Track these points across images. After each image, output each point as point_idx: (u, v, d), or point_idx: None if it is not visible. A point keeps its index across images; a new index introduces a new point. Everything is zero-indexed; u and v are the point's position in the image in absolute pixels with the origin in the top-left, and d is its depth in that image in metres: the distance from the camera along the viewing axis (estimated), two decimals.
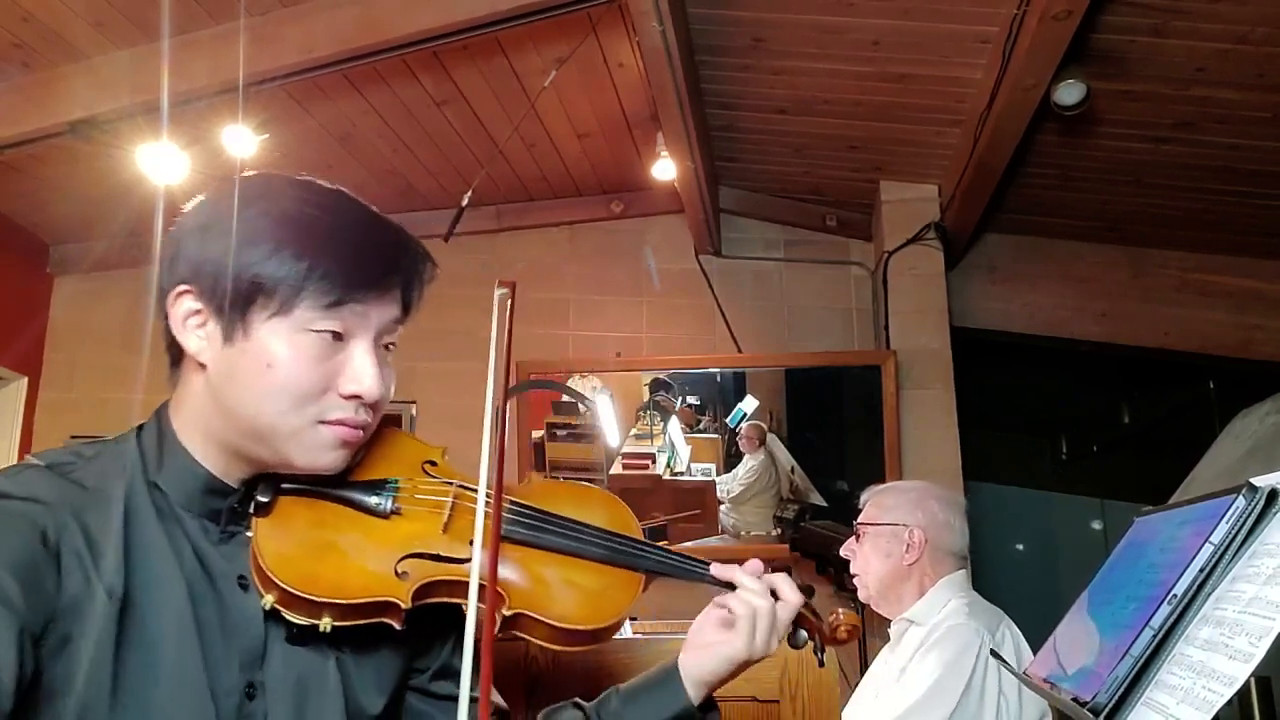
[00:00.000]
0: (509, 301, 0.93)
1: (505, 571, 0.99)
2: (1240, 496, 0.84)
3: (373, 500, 0.97)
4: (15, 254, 4.05)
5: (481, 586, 0.85)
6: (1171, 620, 0.84)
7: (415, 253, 0.98)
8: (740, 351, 4.14)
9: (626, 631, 2.24)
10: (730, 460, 4.00)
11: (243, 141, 3.10)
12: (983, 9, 2.79)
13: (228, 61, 2.83)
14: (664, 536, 3.89)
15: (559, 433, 4.04)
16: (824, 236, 4.28)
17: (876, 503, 2.26)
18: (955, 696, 1.89)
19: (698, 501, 3.94)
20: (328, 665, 0.95)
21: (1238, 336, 3.97)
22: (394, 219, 1.00)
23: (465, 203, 3.18)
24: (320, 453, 0.93)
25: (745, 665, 1.06)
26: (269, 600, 0.90)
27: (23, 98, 3.07)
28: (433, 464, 1.04)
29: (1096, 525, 5.55)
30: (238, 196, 0.93)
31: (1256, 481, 0.84)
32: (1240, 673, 0.72)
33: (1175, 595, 0.84)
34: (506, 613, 0.96)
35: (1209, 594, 0.83)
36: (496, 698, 1.11)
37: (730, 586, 1.08)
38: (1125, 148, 3.37)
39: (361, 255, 0.93)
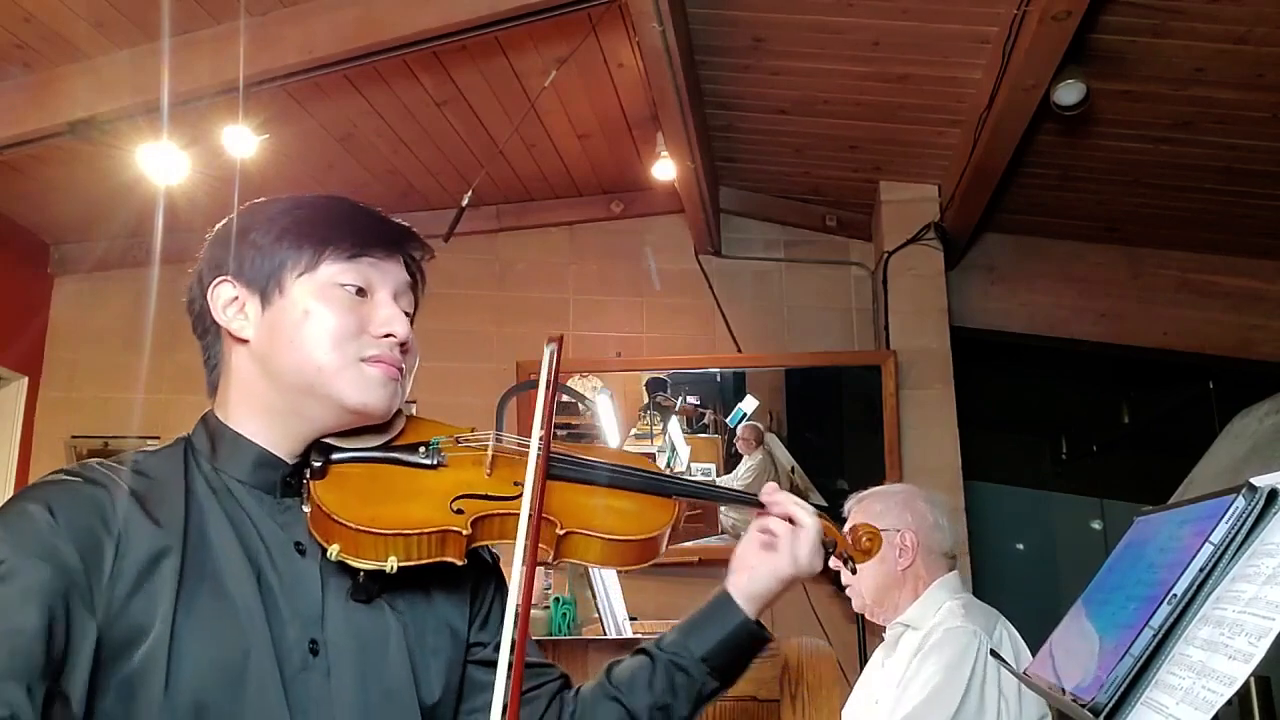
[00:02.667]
0: (556, 356, 1.05)
1: (552, 501, 1.06)
2: (1240, 496, 0.84)
3: (418, 455, 1.06)
4: (16, 254, 4.05)
5: (531, 517, 0.95)
6: (1171, 620, 0.84)
7: (413, 233, 1.11)
8: (740, 351, 4.14)
9: (626, 631, 2.24)
10: (730, 460, 4.00)
11: (243, 141, 3.10)
12: (983, 9, 2.79)
13: (228, 61, 2.83)
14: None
15: (559, 433, 4.04)
16: (824, 236, 4.28)
17: (863, 509, 2.22)
18: (956, 700, 1.89)
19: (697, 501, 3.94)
20: (389, 624, 1.00)
21: (1237, 336, 3.97)
22: (394, 219, 1.12)
23: (465, 203, 3.18)
24: (369, 388, 1.01)
25: (793, 581, 1.14)
26: (335, 549, 0.95)
27: (23, 98, 3.07)
28: (465, 435, 1.13)
29: (1096, 525, 5.55)
30: (250, 213, 1.07)
31: (1256, 481, 0.84)
32: (1240, 672, 0.72)
33: (1175, 595, 0.84)
34: (560, 532, 1.04)
35: (1209, 594, 0.83)
36: (559, 667, 1.18)
37: (755, 504, 1.19)
38: (1125, 148, 3.38)
39: (369, 223, 1.08)
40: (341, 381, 1.00)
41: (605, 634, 2.18)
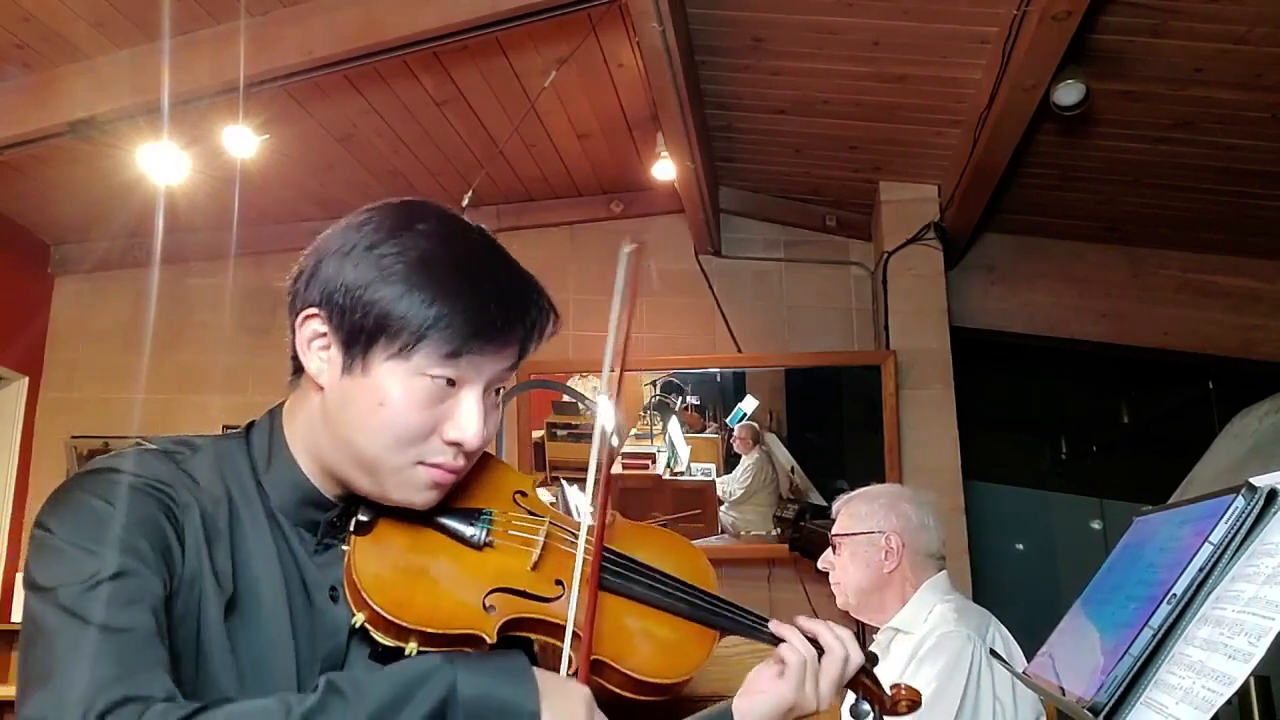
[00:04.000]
0: (635, 262, 0.98)
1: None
2: (1239, 496, 0.84)
3: (468, 532, 1.00)
4: (16, 254, 4.05)
5: (575, 634, 0.89)
6: (1171, 620, 0.84)
7: (541, 307, 1.01)
8: (740, 351, 4.14)
9: None
10: (730, 460, 4.00)
11: (243, 141, 3.10)
12: (983, 9, 2.79)
13: (228, 61, 2.83)
14: None
15: (559, 433, 4.04)
16: (824, 236, 4.28)
17: (849, 511, 2.21)
18: (954, 706, 1.88)
19: (697, 501, 3.94)
20: None
21: (1237, 336, 3.97)
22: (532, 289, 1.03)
23: (465, 203, 3.19)
24: (415, 492, 0.96)
25: (796, 713, 1.08)
26: (360, 618, 0.92)
27: (24, 98, 3.07)
28: (523, 494, 1.07)
29: (1095, 525, 5.55)
30: (377, 229, 0.95)
31: (1256, 481, 0.84)
32: (1239, 672, 0.72)
33: (1175, 595, 0.84)
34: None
35: (1208, 594, 0.83)
36: None
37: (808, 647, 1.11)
38: (1125, 148, 3.38)
39: (488, 308, 0.93)
40: (391, 480, 0.95)
41: None
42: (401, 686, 0.82)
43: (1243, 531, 0.83)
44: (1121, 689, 0.84)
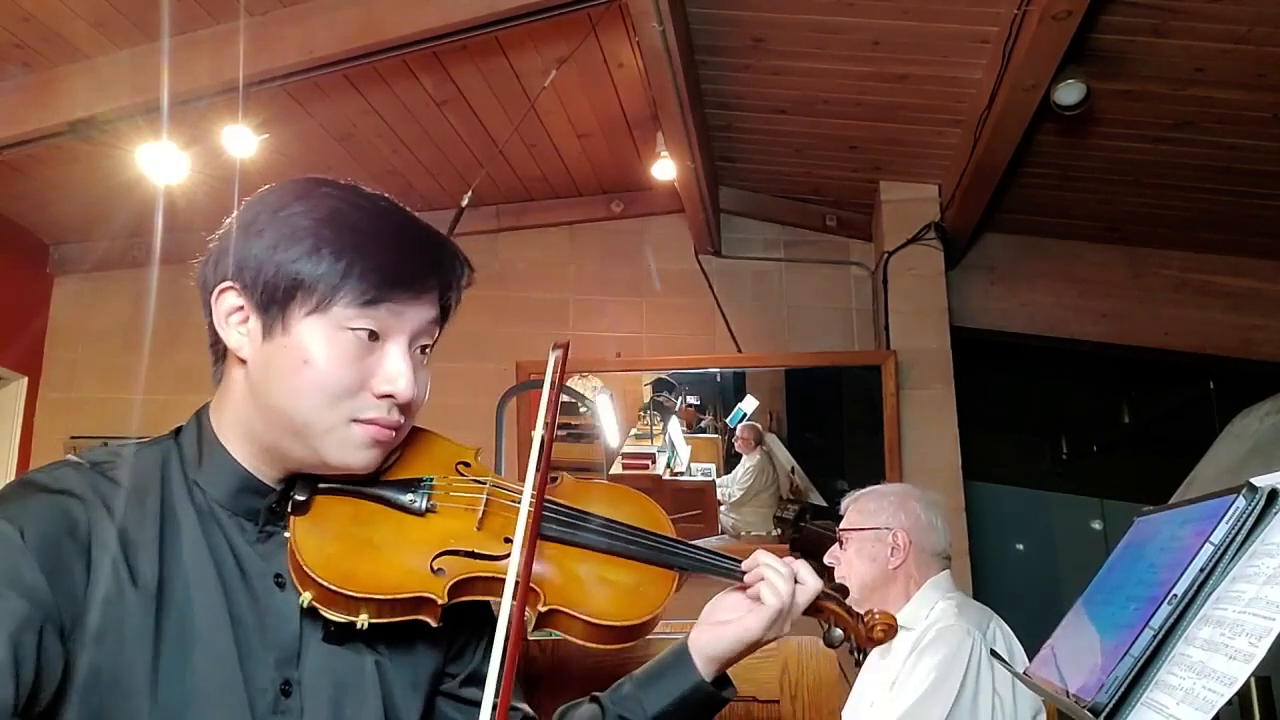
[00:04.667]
0: (563, 361, 0.99)
1: (540, 568, 1.00)
2: (1240, 496, 0.84)
3: (407, 498, 0.99)
4: (16, 254, 4.05)
5: (516, 583, 0.88)
6: (1171, 620, 0.84)
7: (453, 256, 1.00)
8: (740, 351, 4.14)
9: None
10: (730, 460, 4.00)
11: (243, 141, 3.10)
12: (983, 9, 2.79)
13: (228, 61, 2.83)
14: None
15: (559, 433, 4.04)
16: (824, 236, 4.28)
17: (858, 508, 2.25)
18: (950, 698, 1.89)
19: (698, 501, 3.94)
20: (365, 665, 0.96)
21: (1237, 336, 3.97)
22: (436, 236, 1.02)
23: (465, 203, 3.18)
24: (353, 451, 0.94)
25: (756, 646, 1.07)
26: (307, 597, 0.91)
27: (23, 98, 3.07)
28: (466, 465, 1.06)
29: (1096, 525, 5.55)
30: (282, 196, 0.96)
31: (1256, 481, 0.84)
32: (1240, 673, 0.72)
33: (1175, 595, 0.84)
34: (542, 609, 0.98)
35: (1209, 594, 0.83)
36: (526, 708, 1.12)
37: (736, 577, 1.10)
38: (1125, 148, 3.38)
39: (399, 256, 0.94)
40: (327, 441, 0.93)
41: None
42: None
43: (1244, 532, 0.83)
44: (1122, 689, 0.84)
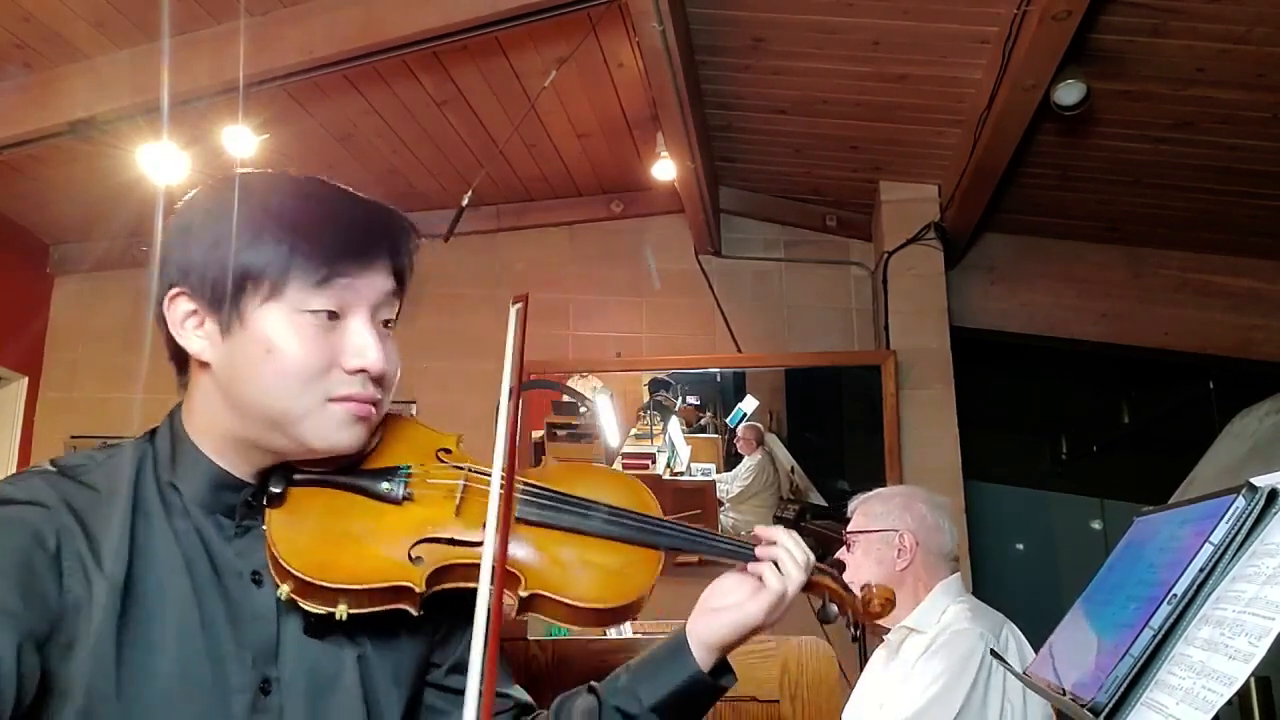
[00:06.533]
0: (524, 314, 0.94)
1: (520, 552, 0.98)
2: (1240, 496, 0.84)
3: (384, 486, 0.98)
4: (16, 254, 4.05)
5: (494, 569, 0.86)
6: (1171, 620, 0.84)
7: (396, 223, 0.98)
8: (740, 351, 4.14)
9: (626, 631, 2.24)
10: (730, 460, 4.00)
11: (243, 142, 3.10)
12: (983, 9, 2.79)
13: (228, 61, 2.83)
14: None
15: (559, 433, 4.04)
16: (824, 236, 4.28)
17: (864, 511, 2.26)
18: (960, 701, 1.89)
19: (698, 501, 3.94)
20: (345, 659, 0.95)
21: (1237, 336, 3.97)
22: (373, 204, 0.99)
23: (465, 203, 3.19)
24: (336, 431, 0.93)
25: (758, 631, 1.05)
26: (285, 590, 0.90)
27: (23, 98, 3.07)
28: (446, 451, 1.04)
29: (1096, 525, 5.55)
30: (214, 196, 0.94)
31: (1256, 481, 0.84)
32: (1240, 673, 0.72)
33: (1175, 595, 0.84)
34: (523, 594, 0.96)
35: (1209, 594, 0.83)
36: (520, 692, 1.10)
37: (752, 559, 1.07)
38: (1125, 148, 3.38)
39: (342, 229, 0.93)
40: (307, 425, 0.92)
41: (605, 634, 2.17)
42: None
43: (1243, 532, 0.83)
44: (1122, 689, 0.84)
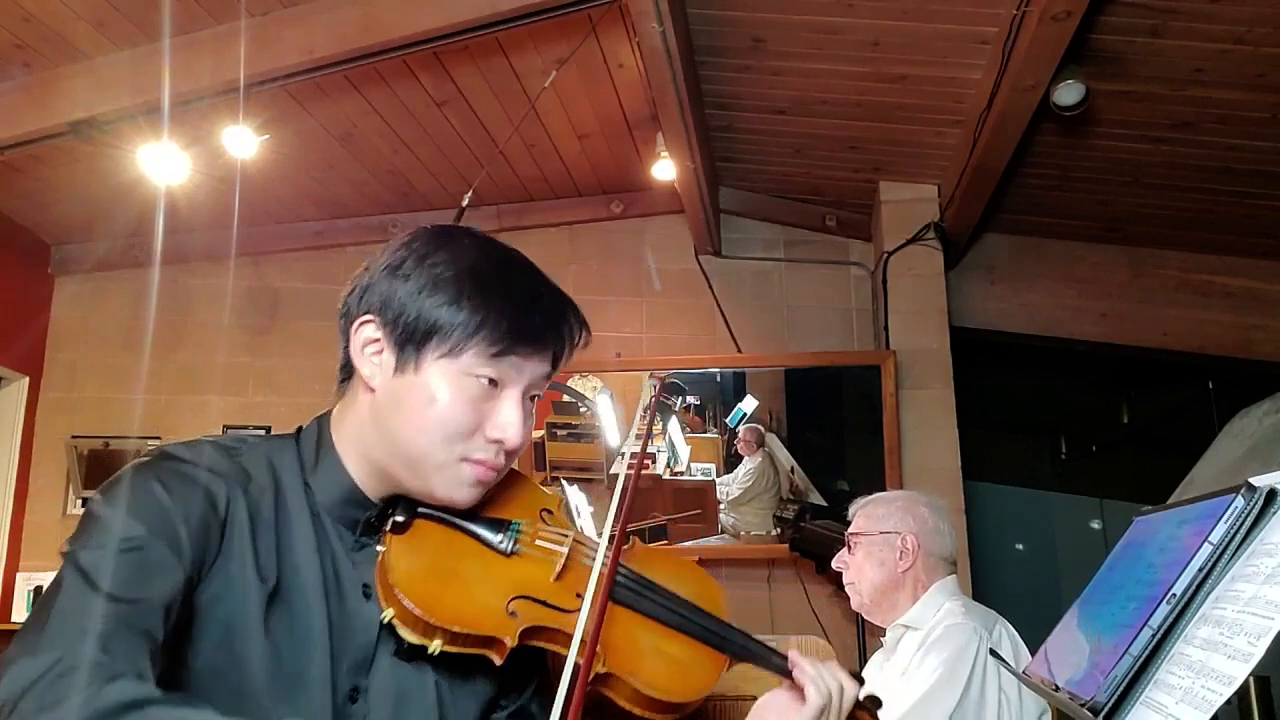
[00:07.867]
0: (655, 396, 1.01)
1: (605, 630, 1.01)
2: (1239, 496, 0.84)
3: (497, 538, 1.04)
4: (17, 254, 4.05)
5: (583, 641, 0.92)
6: (1170, 620, 0.84)
7: (573, 319, 1.07)
8: (740, 351, 4.14)
9: None
10: (730, 461, 4.00)
11: (243, 142, 3.10)
12: (982, 9, 2.79)
13: (228, 62, 2.83)
14: (664, 536, 3.89)
15: (559, 433, 4.04)
16: (824, 236, 4.29)
17: (866, 513, 2.28)
18: (956, 694, 1.90)
19: (697, 501, 3.94)
20: (427, 683, 1.01)
21: (1237, 336, 3.97)
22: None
23: (465, 203, 3.19)
24: (458, 488, 1.01)
25: None
26: (389, 614, 0.95)
27: (24, 98, 3.07)
28: (549, 512, 1.11)
29: (1095, 525, 5.55)
30: (428, 244, 1.03)
31: (1255, 481, 0.84)
32: (1239, 672, 0.72)
33: (1174, 595, 0.84)
34: (599, 669, 0.98)
35: (1208, 593, 0.83)
36: None
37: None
38: (1124, 148, 3.38)
39: (528, 315, 1.02)
40: (437, 476, 1.00)
41: None
42: None
43: (1242, 531, 0.83)
44: (1121, 689, 0.84)
